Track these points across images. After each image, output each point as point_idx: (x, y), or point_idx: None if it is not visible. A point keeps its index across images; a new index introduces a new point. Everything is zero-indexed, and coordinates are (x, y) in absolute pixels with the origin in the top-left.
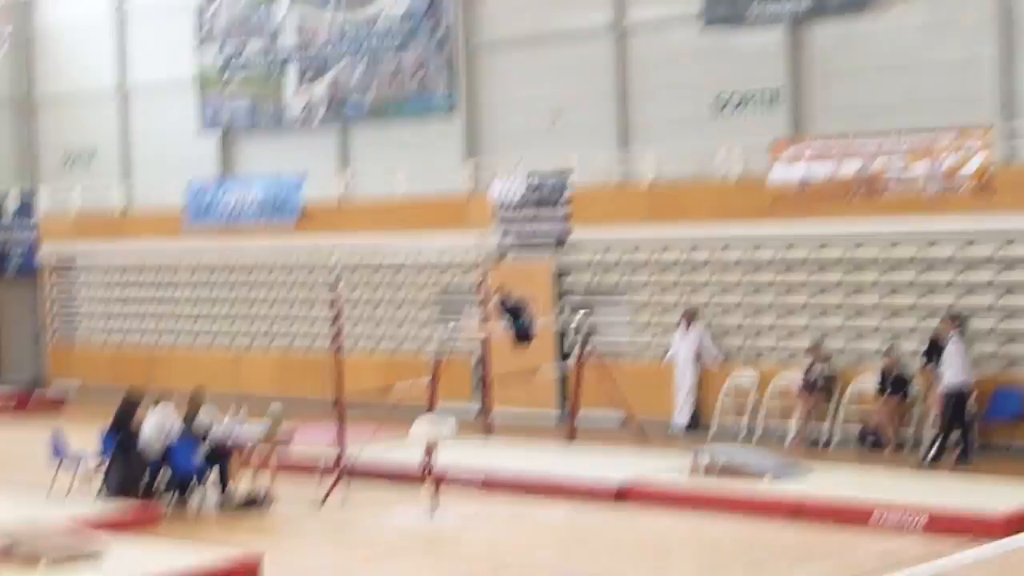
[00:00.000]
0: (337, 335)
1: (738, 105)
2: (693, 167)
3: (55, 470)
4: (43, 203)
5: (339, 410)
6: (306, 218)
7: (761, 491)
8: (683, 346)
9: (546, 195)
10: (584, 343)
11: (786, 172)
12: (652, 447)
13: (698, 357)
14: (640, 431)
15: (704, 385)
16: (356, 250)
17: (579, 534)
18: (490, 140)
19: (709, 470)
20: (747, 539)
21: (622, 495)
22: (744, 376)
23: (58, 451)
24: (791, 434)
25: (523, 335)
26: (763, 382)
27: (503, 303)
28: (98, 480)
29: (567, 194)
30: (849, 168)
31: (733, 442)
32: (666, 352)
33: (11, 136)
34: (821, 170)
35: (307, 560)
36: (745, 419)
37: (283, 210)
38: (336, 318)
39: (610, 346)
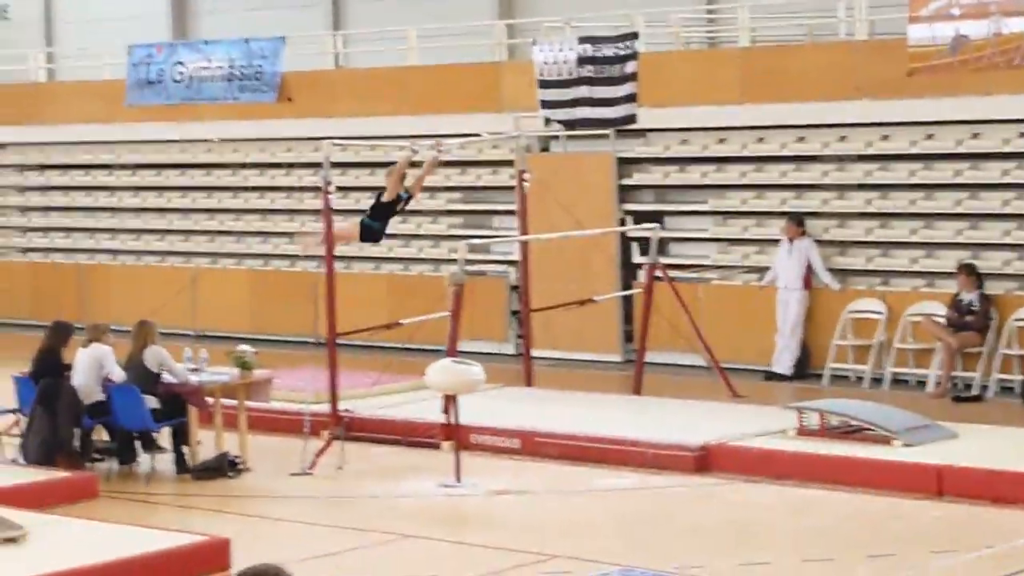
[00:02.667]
0: (328, 252)
1: None
2: (801, 27)
3: None
4: None
5: (330, 351)
6: (286, 96)
7: (889, 458)
8: (786, 267)
9: (604, 66)
10: (654, 264)
11: (929, 32)
12: (744, 401)
13: (806, 281)
14: (728, 379)
15: (814, 319)
16: (352, 139)
17: (648, 514)
18: None
19: (820, 431)
20: (869, 521)
21: (704, 463)
22: (868, 306)
23: None
24: (931, 384)
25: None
26: (893, 315)
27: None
28: (15, 441)
29: (632, 65)
30: (1016, 26)
31: (852, 395)
32: (763, 275)
33: None
34: (977, 29)
35: (289, 546)
36: (868, 364)
37: (256, 85)
38: (327, 230)
39: (689, 267)
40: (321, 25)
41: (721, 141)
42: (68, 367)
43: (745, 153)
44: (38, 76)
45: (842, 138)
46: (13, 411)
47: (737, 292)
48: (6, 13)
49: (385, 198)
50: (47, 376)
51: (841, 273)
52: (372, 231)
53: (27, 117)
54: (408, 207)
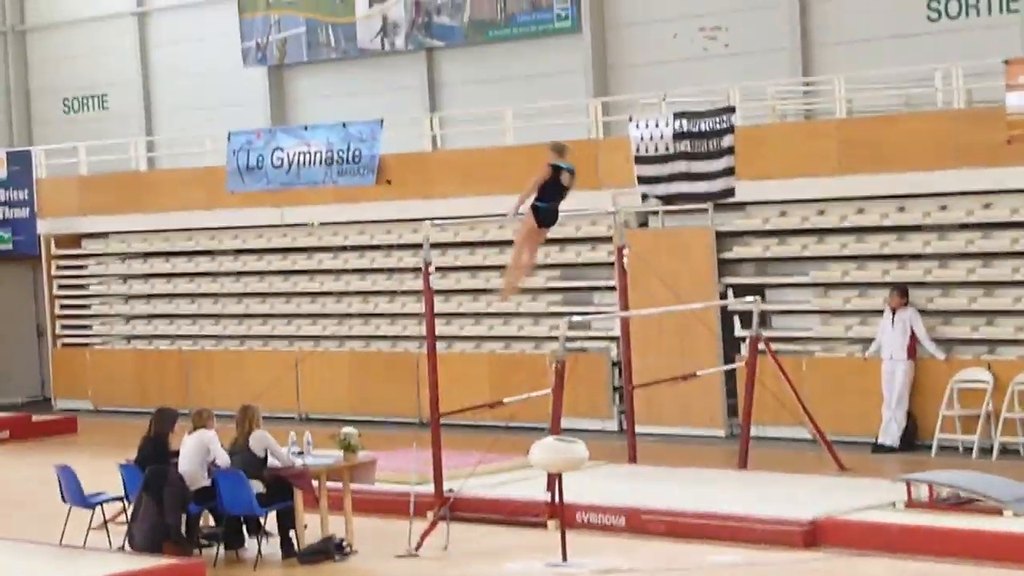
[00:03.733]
0: (429, 333)
1: (960, 12)
2: (899, 98)
3: (64, 517)
4: (40, 165)
5: (434, 431)
6: (385, 178)
7: (1000, 529)
8: (890, 338)
9: (701, 140)
10: (756, 337)
11: None
12: (851, 474)
13: (911, 352)
14: (834, 452)
15: (920, 389)
16: (451, 219)
17: None
18: (625, 69)
19: (929, 503)
20: None
21: (813, 537)
22: (974, 376)
23: (67, 492)
24: None
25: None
26: (1000, 384)
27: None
28: (122, 529)
29: (729, 138)
30: None
31: (960, 465)
32: (867, 346)
33: None
34: None
35: None
36: (976, 434)
37: (354, 168)
38: (427, 312)
39: (791, 340)
40: (418, 107)
41: (820, 212)
42: (175, 453)
43: (845, 224)
44: (139, 165)
45: (943, 207)
46: (119, 498)
47: (841, 364)
48: (105, 103)
49: (540, 179)
50: (153, 463)
51: (946, 343)
52: (548, 212)
53: (129, 206)
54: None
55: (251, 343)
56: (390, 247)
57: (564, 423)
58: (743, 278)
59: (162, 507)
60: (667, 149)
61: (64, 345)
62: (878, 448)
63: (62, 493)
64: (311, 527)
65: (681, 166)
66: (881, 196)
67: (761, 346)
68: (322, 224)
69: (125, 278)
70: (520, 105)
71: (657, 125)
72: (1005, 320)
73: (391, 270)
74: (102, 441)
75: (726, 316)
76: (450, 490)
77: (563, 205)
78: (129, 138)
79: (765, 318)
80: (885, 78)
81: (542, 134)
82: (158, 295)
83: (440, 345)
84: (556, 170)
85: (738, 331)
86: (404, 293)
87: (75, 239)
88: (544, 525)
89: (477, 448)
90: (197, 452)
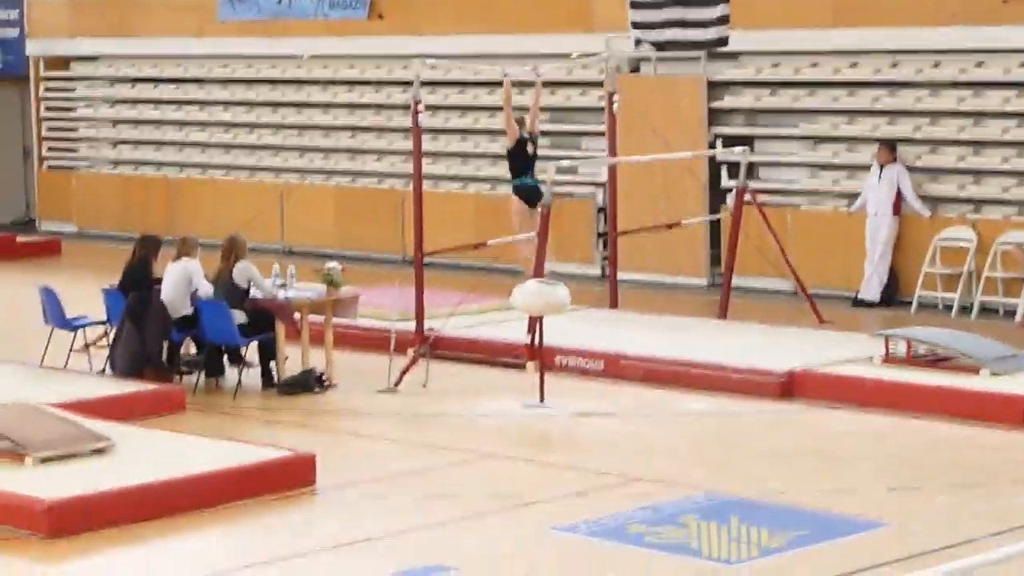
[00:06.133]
0: (416, 172)
1: None
2: None
3: (46, 339)
4: None
5: (417, 269)
6: (377, 13)
7: (976, 388)
8: (876, 193)
9: None
10: (743, 188)
11: None
12: (830, 327)
13: (896, 208)
14: (815, 305)
15: (903, 246)
16: (442, 58)
17: (731, 438)
18: None
19: (907, 359)
20: (955, 450)
21: (789, 388)
22: (958, 234)
23: (50, 314)
24: (1019, 314)
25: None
26: (983, 242)
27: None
28: (103, 353)
29: None
30: None
31: (940, 323)
32: (853, 201)
33: None
34: None
35: (374, 463)
36: (957, 292)
37: (347, 2)
38: (415, 150)
39: (778, 192)
40: None
41: (813, 65)
42: (158, 281)
43: (837, 78)
44: None
45: (936, 64)
46: (102, 323)
47: (826, 217)
48: None
49: (509, 146)
50: (136, 289)
51: (932, 200)
52: (529, 189)
53: (119, 30)
54: (537, 147)
55: (237, 173)
56: (380, 83)
57: (547, 267)
58: (733, 128)
59: (144, 334)
60: None
61: (50, 168)
62: (858, 303)
63: (44, 315)
64: (292, 359)
65: (676, 12)
66: (875, 51)
67: (747, 197)
68: (312, 57)
69: (113, 103)
70: None
71: None
72: (991, 180)
73: (380, 106)
74: (86, 264)
75: (714, 166)
76: (431, 328)
77: (557, 47)
78: None
79: (753, 169)
80: None
81: None
82: (145, 121)
83: (426, 184)
84: (521, 141)
85: (725, 182)
86: (392, 130)
87: (64, 61)
88: (523, 366)
89: (459, 288)
90: (180, 280)
